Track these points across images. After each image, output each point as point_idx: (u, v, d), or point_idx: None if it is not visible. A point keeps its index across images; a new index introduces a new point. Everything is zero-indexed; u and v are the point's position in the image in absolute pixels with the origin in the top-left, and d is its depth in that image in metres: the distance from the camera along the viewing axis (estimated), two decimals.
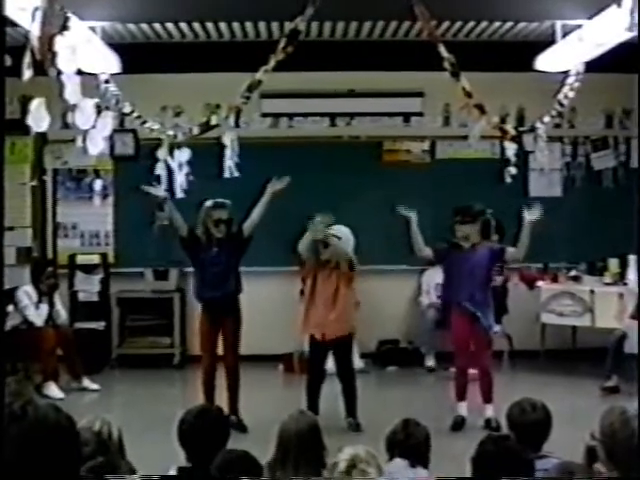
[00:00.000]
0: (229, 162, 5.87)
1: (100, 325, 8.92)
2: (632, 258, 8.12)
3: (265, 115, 9.40)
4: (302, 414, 3.59)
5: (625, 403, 3.13)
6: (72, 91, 4.79)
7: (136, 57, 7.02)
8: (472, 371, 6.65)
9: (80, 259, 9.11)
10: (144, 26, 8.04)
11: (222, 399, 6.35)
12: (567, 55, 6.05)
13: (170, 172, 6.11)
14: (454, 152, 9.39)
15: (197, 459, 3.43)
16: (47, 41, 4.41)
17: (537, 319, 8.75)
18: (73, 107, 4.97)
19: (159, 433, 5.14)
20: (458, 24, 8.03)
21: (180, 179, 6.11)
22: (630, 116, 9.47)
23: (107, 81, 5.86)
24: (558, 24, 6.11)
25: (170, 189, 6.34)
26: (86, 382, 7.89)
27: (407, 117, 9.52)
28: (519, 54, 7.18)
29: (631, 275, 8.15)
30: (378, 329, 9.12)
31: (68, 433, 2.63)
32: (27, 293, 7.97)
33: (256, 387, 7.25)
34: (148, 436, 5.72)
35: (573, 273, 8.74)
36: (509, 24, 8.11)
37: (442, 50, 5.39)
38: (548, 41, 6.31)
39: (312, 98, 9.32)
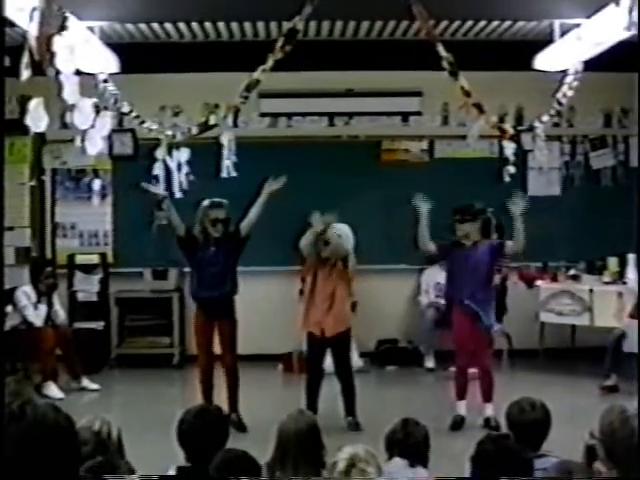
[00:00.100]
0: (227, 162, 5.88)
1: (99, 325, 8.91)
2: (631, 257, 8.13)
3: (264, 115, 9.40)
4: (301, 414, 3.58)
5: (624, 402, 3.13)
6: (71, 91, 4.80)
7: (134, 57, 7.02)
8: (472, 370, 6.65)
9: (79, 259, 9.11)
10: (142, 26, 8.04)
11: (221, 399, 6.35)
12: (566, 54, 6.05)
13: (169, 172, 6.12)
14: (453, 151, 9.39)
15: (196, 459, 3.42)
16: (45, 41, 4.41)
17: (536, 318, 8.75)
18: (72, 107, 4.98)
19: (158, 433, 5.14)
20: (456, 23, 8.03)
21: (179, 179, 6.11)
22: (629, 115, 9.47)
23: (105, 81, 5.86)
24: (557, 23, 6.12)
25: (168, 189, 6.34)
26: (85, 382, 7.89)
27: (405, 116, 9.52)
28: (518, 53, 7.19)
29: (630, 274, 8.15)
30: (377, 328, 9.13)
31: (67, 433, 2.63)
32: (26, 293, 7.97)
33: (255, 387, 7.25)
34: (147, 436, 5.72)
35: (572, 272, 8.74)
36: (507, 23, 8.11)
37: (440, 49, 5.40)
38: (547, 40, 6.31)
39: (310, 98, 9.31)
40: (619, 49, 5.57)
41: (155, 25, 8.04)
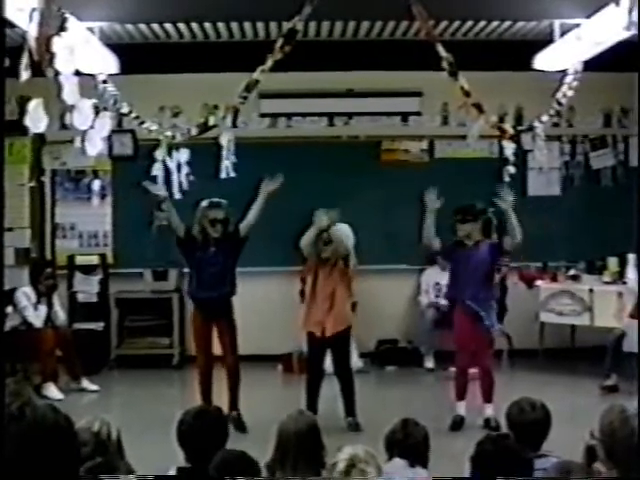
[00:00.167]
0: (226, 162, 5.87)
1: (99, 326, 8.91)
2: (631, 257, 8.13)
3: (263, 115, 9.40)
4: (301, 414, 3.58)
5: (624, 402, 3.13)
6: (70, 92, 4.79)
7: (134, 57, 7.01)
8: (472, 370, 6.65)
9: (79, 260, 9.11)
10: (142, 26, 8.04)
11: (221, 399, 6.35)
12: (565, 54, 6.05)
13: (168, 172, 6.11)
14: (452, 151, 9.39)
15: (196, 459, 3.42)
16: (45, 42, 4.41)
17: (536, 318, 8.75)
18: (71, 108, 4.97)
19: (158, 434, 5.13)
20: (456, 23, 8.02)
21: (178, 179, 6.11)
22: (628, 115, 9.47)
23: (105, 81, 5.86)
24: (556, 23, 6.11)
25: (168, 189, 6.34)
26: (85, 383, 7.88)
27: (405, 116, 9.52)
28: (517, 53, 7.19)
29: (630, 274, 8.15)
30: (377, 329, 9.13)
31: (66, 434, 2.63)
32: (26, 294, 7.96)
33: (255, 387, 7.24)
34: (147, 437, 5.72)
35: (572, 272, 8.74)
36: (507, 23, 8.10)
37: (440, 49, 5.39)
38: (546, 40, 6.31)
39: (310, 98, 9.31)
40: (619, 49, 5.57)
41: (155, 25, 8.04)
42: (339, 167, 9.07)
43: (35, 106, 4.69)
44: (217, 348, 6.64)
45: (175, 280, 9.02)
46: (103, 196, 9.28)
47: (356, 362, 7.88)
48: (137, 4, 5.83)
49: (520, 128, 6.35)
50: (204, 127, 5.77)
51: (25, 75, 4.29)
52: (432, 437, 3.74)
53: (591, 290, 8.31)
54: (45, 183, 9.39)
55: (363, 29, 8.54)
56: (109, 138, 6.68)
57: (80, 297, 9.00)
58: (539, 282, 8.79)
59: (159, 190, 6.35)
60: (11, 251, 8.85)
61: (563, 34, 6.06)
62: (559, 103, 5.98)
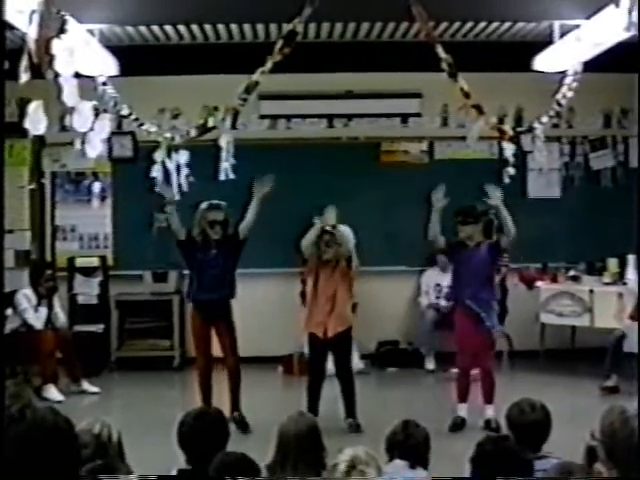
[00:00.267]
0: (225, 164, 5.86)
1: (99, 328, 8.91)
2: (631, 258, 8.13)
3: (263, 117, 9.41)
4: (301, 415, 3.58)
5: (625, 403, 3.13)
6: (70, 94, 4.79)
7: (134, 59, 7.01)
8: (473, 371, 6.65)
9: (79, 262, 9.11)
10: (142, 28, 8.04)
11: (222, 401, 6.35)
12: (565, 55, 6.04)
13: (167, 174, 6.10)
14: (452, 153, 9.40)
15: (197, 461, 3.42)
16: (44, 44, 4.40)
17: (536, 319, 8.75)
18: (71, 110, 4.96)
19: (159, 435, 5.13)
20: (456, 24, 8.03)
21: (178, 181, 6.10)
22: (628, 116, 9.48)
23: (105, 83, 5.85)
24: (556, 24, 6.11)
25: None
26: (85, 385, 7.89)
27: (405, 118, 9.52)
28: (517, 54, 7.18)
29: (630, 275, 8.15)
30: (378, 330, 9.13)
31: (67, 436, 2.63)
32: (26, 296, 7.97)
33: (255, 389, 7.23)
34: (148, 438, 5.72)
35: (572, 273, 8.74)
36: (507, 24, 8.11)
37: (440, 51, 5.39)
38: (546, 41, 6.30)
39: (310, 99, 9.32)
40: (619, 50, 5.56)
41: (155, 27, 8.04)
42: (339, 169, 9.07)
43: (35, 108, 4.68)
44: (217, 350, 6.64)
45: (175, 282, 9.02)
46: (103, 198, 9.29)
47: (357, 363, 7.88)
48: (137, 6, 5.82)
49: (520, 129, 6.33)
50: (203, 129, 5.76)
51: (25, 77, 4.29)
52: (433, 438, 3.74)
53: (591, 291, 8.31)
54: (45, 185, 9.40)
55: (363, 30, 8.54)
56: (109, 140, 6.69)
57: (80, 299, 9.00)
58: (539, 283, 8.79)
59: (171, 194, 6.35)
60: (11, 253, 8.86)
61: (563, 35, 6.05)
62: (559, 104, 5.97)
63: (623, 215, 8.52)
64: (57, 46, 4.55)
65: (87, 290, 9.00)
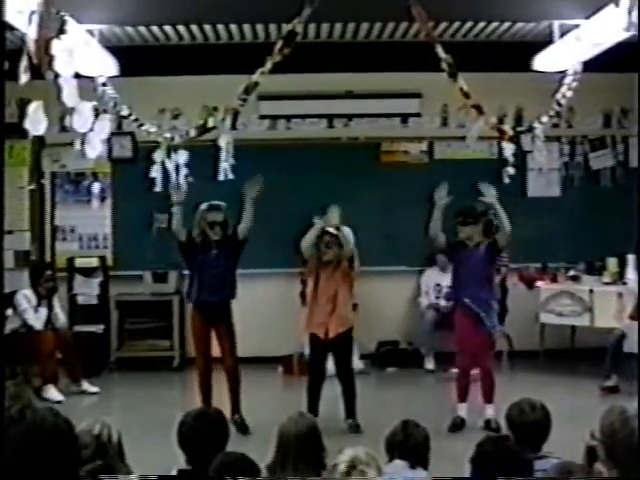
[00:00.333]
0: (224, 164, 5.86)
1: (99, 328, 8.91)
2: (631, 257, 8.13)
3: (263, 117, 9.40)
4: (301, 416, 3.58)
5: (625, 402, 3.13)
6: (69, 94, 4.79)
7: (134, 60, 7.00)
8: (473, 371, 6.65)
9: (79, 262, 9.11)
10: (142, 29, 8.04)
11: (221, 401, 6.35)
12: (565, 55, 6.04)
13: (167, 174, 6.10)
14: (452, 153, 9.40)
15: (197, 461, 3.42)
16: (44, 44, 4.40)
17: (536, 319, 8.75)
18: (71, 110, 4.96)
19: (159, 436, 5.14)
20: (456, 24, 8.03)
21: (177, 181, 6.10)
22: (628, 115, 9.48)
23: (105, 84, 5.85)
24: (556, 24, 6.11)
25: (167, 191, 6.34)
26: (85, 385, 7.89)
27: (405, 118, 9.52)
28: (517, 54, 7.18)
29: (630, 274, 8.15)
30: (377, 330, 9.12)
31: (66, 436, 2.63)
32: (26, 297, 7.96)
33: (255, 389, 7.23)
34: (148, 439, 5.72)
35: (572, 273, 8.74)
36: (507, 24, 8.11)
37: (440, 51, 5.39)
38: (546, 41, 6.30)
39: (310, 100, 9.32)
40: (618, 50, 5.56)
41: (154, 28, 8.04)
42: (339, 169, 9.07)
43: (35, 109, 4.68)
44: (217, 350, 6.64)
45: (175, 282, 9.02)
46: (103, 198, 9.29)
47: (357, 364, 7.87)
48: (136, 6, 5.82)
49: (519, 129, 6.34)
50: (203, 129, 5.76)
51: (24, 78, 4.29)
52: (433, 438, 3.74)
53: (591, 291, 8.31)
54: (45, 186, 9.40)
55: (362, 30, 8.54)
56: (109, 140, 6.68)
57: (80, 299, 9.00)
58: (539, 283, 8.79)
59: (181, 195, 6.36)
60: (11, 254, 8.85)
61: (562, 35, 6.05)
62: (559, 104, 5.97)
63: (623, 215, 8.52)
64: (57, 46, 4.55)
65: (87, 290, 9.00)
